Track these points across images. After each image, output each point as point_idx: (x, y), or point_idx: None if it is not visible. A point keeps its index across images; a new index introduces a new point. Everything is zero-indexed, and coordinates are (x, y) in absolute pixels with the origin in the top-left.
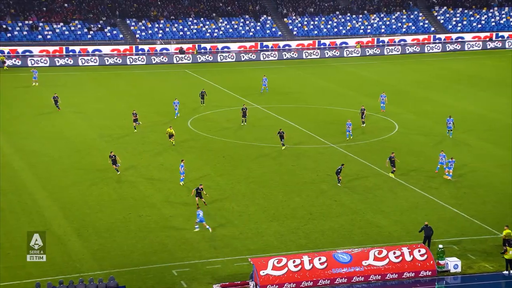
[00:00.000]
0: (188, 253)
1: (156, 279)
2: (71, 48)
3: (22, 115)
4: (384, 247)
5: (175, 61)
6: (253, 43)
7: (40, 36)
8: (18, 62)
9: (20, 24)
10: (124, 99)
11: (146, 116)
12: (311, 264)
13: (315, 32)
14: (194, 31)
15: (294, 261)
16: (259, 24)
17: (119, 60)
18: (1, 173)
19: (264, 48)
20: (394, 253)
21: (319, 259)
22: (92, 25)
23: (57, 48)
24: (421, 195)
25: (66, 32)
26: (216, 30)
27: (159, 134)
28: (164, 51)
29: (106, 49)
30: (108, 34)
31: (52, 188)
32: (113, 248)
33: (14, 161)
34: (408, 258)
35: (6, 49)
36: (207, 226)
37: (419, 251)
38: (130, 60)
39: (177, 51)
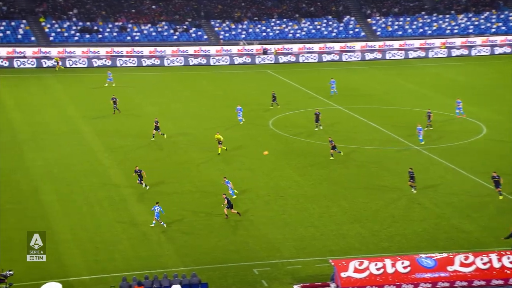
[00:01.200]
0: (269, 253)
1: (237, 277)
2: (158, 48)
3: (109, 114)
4: (470, 253)
5: (257, 62)
6: (334, 44)
7: (128, 37)
8: (108, 62)
9: (110, 25)
10: (208, 100)
11: (229, 117)
12: (394, 268)
13: (400, 32)
14: (277, 32)
15: (376, 264)
16: (342, 24)
17: (203, 61)
18: (93, 170)
19: (347, 49)
20: (482, 259)
21: (402, 263)
22: (178, 26)
23: (144, 48)
24: (510, 200)
25: (153, 33)
26: (299, 31)
27: (241, 132)
28: (247, 52)
29: (190, 50)
30: (193, 35)
31: (138, 185)
32: (196, 245)
33: (104, 158)
34: (496, 265)
35: (97, 49)
36: (162, 222)
37: (509, 258)
38: (213, 60)
39: (260, 51)
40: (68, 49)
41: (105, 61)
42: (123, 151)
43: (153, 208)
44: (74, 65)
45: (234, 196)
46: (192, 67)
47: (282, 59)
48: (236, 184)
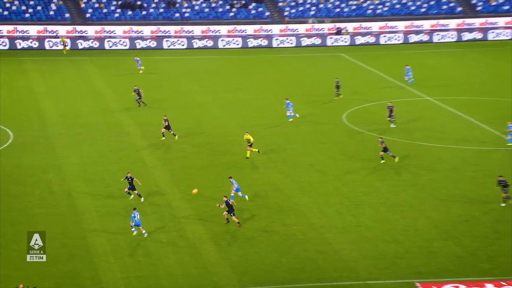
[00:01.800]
0: (342, 272)
1: None
2: (211, 28)
3: (153, 105)
4: None
5: (329, 44)
6: (423, 22)
7: (177, 14)
8: (153, 43)
9: (156, 0)
10: (270, 88)
11: (294, 109)
12: None
13: (506, 7)
14: (353, 7)
15: None
16: None
17: (264, 42)
18: (133, 170)
19: (439, 28)
20: None
21: None
22: (235, 1)
23: (195, 28)
24: None
25: (206, 10)
26: (380, 7)
27: (309, 127)
28: (317, 32)
29: (250, 29)
30: (253, 11)
31: (186, 188)
32: (254, 261)
33: (147, 156)
34: None
35: (140, 28)
36: (143, 231)
37: None
38: (276, 42)
39: (333, 31)
40: (107, 28)
41: (149, 42)
42: (168, 148)
43: (133, 215)
44: (114, 47)
45: (246, 198)
46: (251, 49)
47: (359, 40)
48: (304, 189)
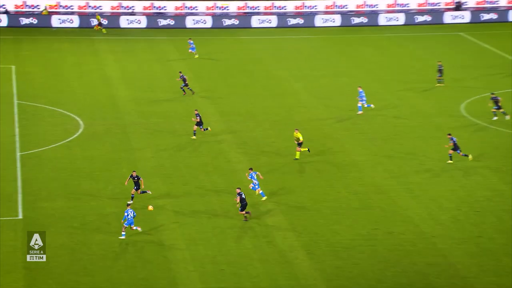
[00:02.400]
0: None
1: None
2: (306, 3)
3: (240, 92)
4: None
5: (446, 21)
6: None
7: None
8: (235, 22)
9: None
10: (374, 73)
11: (401, 97)
12: None
13: None
14: None
15: None
16: None
17: (366, 20)
18: (216, 166)
19: None
20: None
21: None
22: None
23: (288, 3)
24: None
25: None
26: None
27: (419, 118)
28: (431, 7)
29: (351, 5)
30: None
31: (275, 189)
32: (354, 275)
33: (230, 150)
34: None
35: (225, 3)
36: (136, 227)
37: None
38: (383, 19)
39: (451, 6)
40: (188, 3)
41: (234, 21)
42: (258, 143)
43: (126, 213)
44: (195, 25)
45: (264, 198)
46: (353, 28)
47: (483, 17)
48: (412, 192)
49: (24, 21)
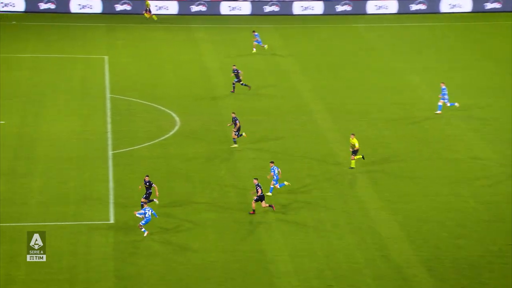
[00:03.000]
0: None
1: None
2: None
3: (353, 85)
4: None
5: None
6: None
7: None
8: (348, 8)
9: None
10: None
11: None
12: None
13: None
14: None
15: None
16: None
17: (498, 6)
18: (323, 170)
19: None
20: None
21: None
22: None
23: None
24: None
25: None
26: None
27: None
28: None
29: None
30: None
31: (391, 196)
32: None
33: (339, 151)
34: None
35: None
36: (144, 229)
37: None
38: None
39: None
40: None
41: (346, 7)
42: (371, 144)
43: (143, 211)
44: (304, 11)
45: (287, 183)
46: (486, 14)
47: None
48: None
49: (119, 7)
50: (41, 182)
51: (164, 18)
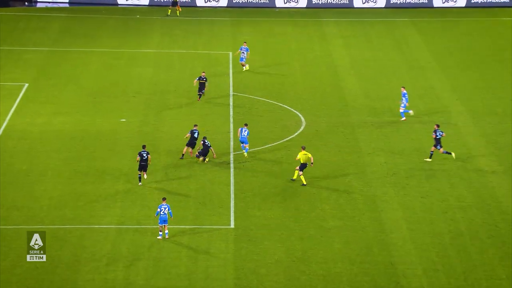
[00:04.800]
0: None
1: None
2: None
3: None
4: None
5: None
6: None
7: None
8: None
9: None
10: None
11: None
12: None
13: None
14: None
15: None
16: None
17: None
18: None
19: None
20: None
21: None
22: None
23: None
24: None
25: None
26: None
27: None
28: None
29: None
30: None
31: None
32: None
33: (481, 156)
34: None
35: None
36: (166, 231)
37: None
38: None
39: None
40: None
41: None
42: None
43: (159, 208)
44: (444, 4)
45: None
46: None
47: None
48: None
49: (243, 0)
50: (162, 183)
51: (293, 12)
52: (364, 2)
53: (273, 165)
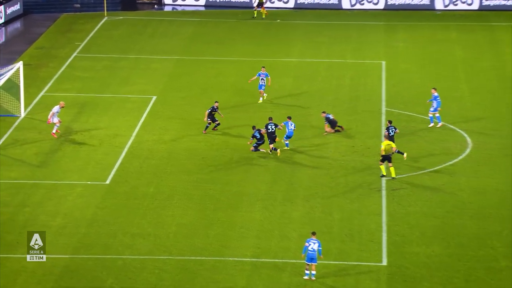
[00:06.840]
0: None
1: None
2: None
3: None
4: None
5: None
6: None
7: None
8: None
9: None
10: None
11: None
12: None
13: None
14: None
15: None
16: None
17: None
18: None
19: None
20: None
21: None
22: None
23: None
24: None
25: None
26: None
27: None
28: None
29: None
30: None
31: None
32: None
33: None
34: None
35: None
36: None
37: None
38: None
39: None
40: None
41: None
42: None
43: (307, 243)
44: None
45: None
46: None
47: None
48: None
49: (398, 1)
50: (303, 211)
51: (457, 15)
52: None
53: (432, 193)
